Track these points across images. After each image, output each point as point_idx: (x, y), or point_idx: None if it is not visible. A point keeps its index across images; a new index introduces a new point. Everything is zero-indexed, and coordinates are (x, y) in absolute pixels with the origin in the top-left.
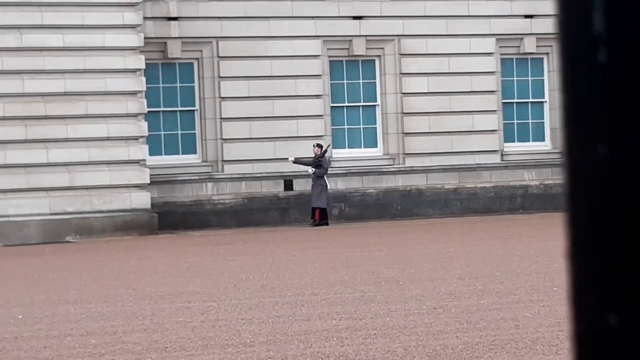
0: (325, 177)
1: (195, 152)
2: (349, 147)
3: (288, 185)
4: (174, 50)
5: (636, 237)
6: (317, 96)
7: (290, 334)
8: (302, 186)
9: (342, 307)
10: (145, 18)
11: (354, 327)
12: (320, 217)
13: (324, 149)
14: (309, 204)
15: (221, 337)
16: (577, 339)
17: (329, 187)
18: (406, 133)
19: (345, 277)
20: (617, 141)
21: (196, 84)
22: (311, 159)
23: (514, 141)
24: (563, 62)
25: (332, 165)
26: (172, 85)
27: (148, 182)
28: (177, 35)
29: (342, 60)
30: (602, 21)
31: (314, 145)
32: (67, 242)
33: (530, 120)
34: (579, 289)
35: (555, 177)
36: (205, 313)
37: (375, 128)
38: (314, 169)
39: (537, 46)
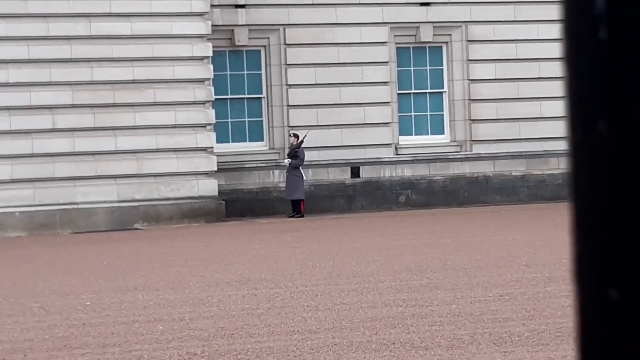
0: (300, 168)
1: (262, 140)
2: (415, 134)
3: (355, 173)
4: (241, 38)
5: (636, 214)
6: (384, 83)
7: (356, 320)
8: (368, 173)
9: (408, 294)
10: (212, 6)
11: (420, 314)
12: (297, 209)
13: (300, 139)
14: (373, 191)
15: (287, 324)
16: (580, 313)
17: (305, 178)
18: (473, 120)
19: (412, 264)
20: (616, 118)
21: (263, 72)
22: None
23: None
24: (565, 40)
25: (399, 152)
26: (239, 73)
27: (215, 169)
28: (244, 23)
29: (409, 47)
30: (603, 0)
31: (290, 135)
32: (135, 229)
33: None
34: (581, 265)
35: None
36: (271, 300)
37: (442, 115)
38: (289, 160)
39: None
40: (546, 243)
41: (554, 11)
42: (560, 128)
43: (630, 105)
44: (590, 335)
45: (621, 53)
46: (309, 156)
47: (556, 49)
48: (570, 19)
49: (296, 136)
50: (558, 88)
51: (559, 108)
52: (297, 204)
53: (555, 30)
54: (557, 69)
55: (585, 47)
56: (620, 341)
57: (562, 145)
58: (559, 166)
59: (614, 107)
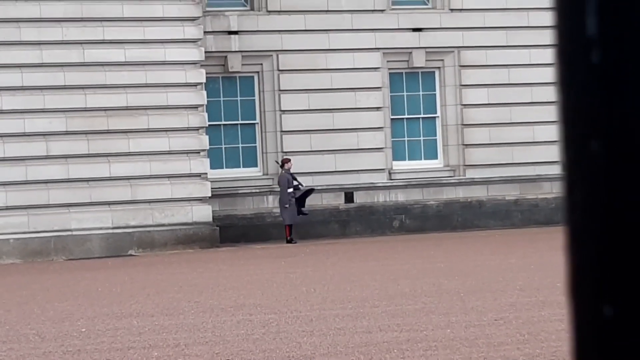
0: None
1: (256, 165)
2: (409, 159)
3: (349, 198)
4: (235, 64)
5: (630, 231)
6: (377, 108)
7: (351, 346)
8: (362, 198)
9: (402, 319)
10: (205, 32)
11: (414, 339)
12: (289, 233)
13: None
14: (367, 216)
15: (282, 349)
16: (574, 329)
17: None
18: (466, 144)
19: (406, 289)
20: (610, 138)
21: (257, 97)
22: (284, 177)
23: None
24: (558, 63)
25: (392, 177)
26: (232, 99)
27: (209, 195)
28: (237, 49)
29: (402, 72)
30: (595, 24)
31: (288, 161)
32: (130, 255)
33: None
34: (576, 281)
35: None
36: (266, 325)
37: (436, 140)
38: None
39: None
40: (540, 267)
41: (546, 36)
42: (553, 152)
43: (623, 125)
44: (586, 352)
45: (613, 75)
46: (302, 182)
47: (549, 74)
48: (563, 42)
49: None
50: (551, 112)
51: (552, 132)
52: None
53: (548, 55)
54: (550, 93)
55: (578, 70)
56: (616, 358)
57: (556, 170)
58: (552, 190)
59: (607, 128)
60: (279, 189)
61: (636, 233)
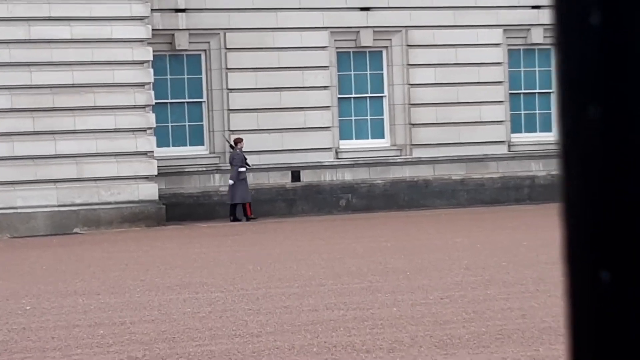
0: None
1: (202, 144)
2: (356, 139)
3: (295, 176)
4: (182, 42)
5: (627, 197)
6: (325, 87)
7: (297, 324)
8: (309, 177)
9: (349, 297)
10: (152, 10)
11: (361, 318)
12: (251, 211)
13: (231, 144)
14: (313, 195)
15: (229, 327)
16: (570, 295)
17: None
18: (413, 124)
19: (353, 267)
20: (609, 103)
21: (204, 76)
22: (240, 156)
23: (521, 132)
24: (557, 25)
25: (339, 157)
26: (179, 77)
27: (155, 173)
28: (184, 27)
29: (349, 52)
30: None
31: (240, 140)
32: (75, 233)
33: (537, 111)
34: (572, 248)
35: None
36: (212, 304)
37: (383, 119)
38: (248, 166)
39: (545, 37)
40: (486, 246)
41: (494, 16)
42: (500, 132)
43: (623, 90)
44: (582, 317)
45: (613, 38)
46: (249, 160)
47: (496, 54)
48: (561, 3)
49: (236, 142)
50: (498, 92)
51: (499, 112)
52: (244, 206)
53: (495, 35)
54: (497, 73)
55: (577, 32)
56: (612, 323)
57: (502, 150)
58: (498, 170)
59: (605, 93)
60: (228, 168)
61: (633, 199)
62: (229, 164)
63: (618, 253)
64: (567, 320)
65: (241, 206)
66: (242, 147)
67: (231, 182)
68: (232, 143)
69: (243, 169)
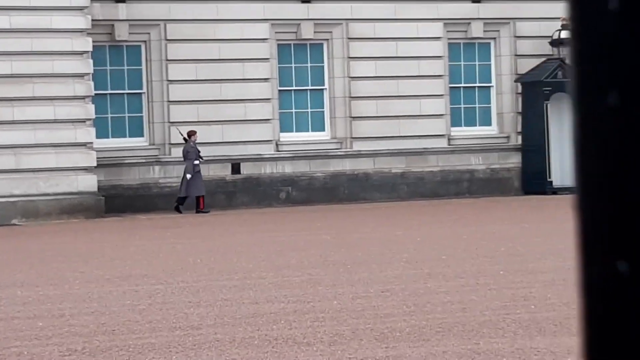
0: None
1: (142, 135)
2: (296, 131)
3: (235, 169)
4: (122, 33)
5: None
6: (265, 80)
7: (238, 317)
8: (249, 170)
9: (289, 290)
10: (92, 0)
11: (301, 310)
12: (204, 204)
13: (184, 137)
14: (253, 187)
15: (169, 320)
16: (585, 287)
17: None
18: (354, 117)
19: (293, 260)
20: (629, 90)
21: (144, 67)
22: (194, 149)
23: (460, 125)
24: (573, 9)
25: (279, 149)
26: (119, 68)
27: (95, 165)
28: (124, 18)
29: (290, 44)
30: None
31: (194, 133)
32: (13, 225)
33: (477, 105)
34: (588, 238)
35: (501, 162)
36: (152, 296)
37: (323, 112)
38: (201, 158)
39: (485, 31)
40: (426, 240)
41: (434, 10)
42: (440, 125)
43: None
44: (597, 308)
45: (632, 21)
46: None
47: (436, 48)
48: None
49: (189, 134)
50: (438, 86)
51: (439, 106)
52: (200, 199)
53: (436, 29)
54: (437, 67)
55: (594, 16)
56: (630, 314)
57: (441, 143)
58: (438, 163)
59: (625, 78)
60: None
61: None
62: (182, 157)
63: (636, 242)
64: (581, 312)
65: (195, 199)
66: (195, 140)
67: (189, 175)
68: (186, 136)
69: (197, 162)
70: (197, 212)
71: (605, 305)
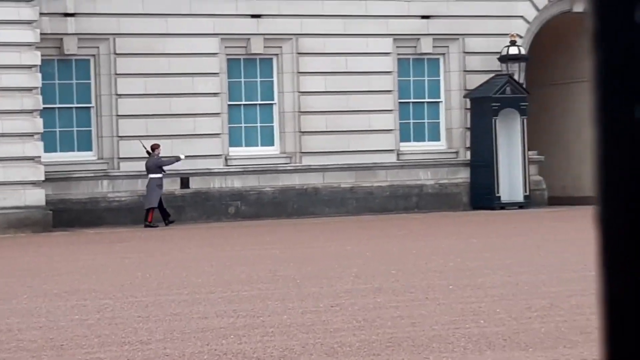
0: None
1: (90, 149)
2: (246, 146)
3: (185, 183)
4: (71, 47)
5: None
6: (215, 94)
7: (187, 331)
8: (198, 184)
9: (239, 304)
10: (41, 14)
11: (251, 325)
12: (153, 217)
13: (147, 150)
14: (202, 202)
15: (118, 334)
16: (607, 298)
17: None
18: (303, 132)
19: (242, 275)
20: None
21: (92, 81)
22: (167, 159)
23: (410, 141)
24: (594, 19)
25: (229, 164)
26: (68, 82)
27: (43, 179)
28: (73, 32)
29: (240, 59)
30: None
31: (157, 146)
32: None
33: (426, 120)
34: (609, 249)
35: (450, 177)
36: (101, 311)
37: (273, 126)
38: (163, 171)
39: (434, 47)
40: (375, 254)
41: (384, 25)
42: (389, 141)
43: None
44: (619, 319)
45: None
46: (138, 166)
47: (386, 63)
48: (603, 2)
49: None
50: (387, 101)
51: (388, 121)
52: (149, 212)
53: (385, 45)
54: (387, 82)
55: (620, 27)
56: None
57: (391, 158)
58: (387, 178)
59: None
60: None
61: None
62: (145, 170)
63: None
64: (602, 323)
65: (145, 211)
66: (159, 153)
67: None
68: (149, 149)
69: (159, 175)
70: (146, 225)
71: (626, 315)
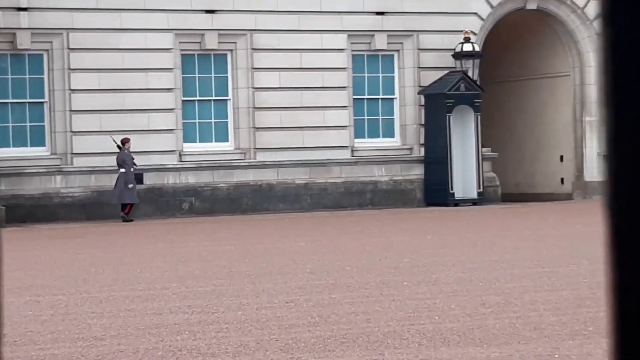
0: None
1: (44, 145)
2: (200, 142)
3: (138, 179)
4: (24, 41)
5: None
6: (169, 90)
7: (141, 327)
8: (152, 180)
9: (193, 300)
10: None
11: (206, 321)
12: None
13: (118, 144)
14: (156, 198)
15: (71, 330)
16: (616, 288)
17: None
18: (257, 128)
19: (197, 271)
20: None
21: (46, 76)
22: (129, 157)
23: (364, 137)
24: (603, 16)
25: (183, 159)
26: (21, 77)
27: None
28: (26, 26)
29: (194, 54)
30: None
31: (128, 141)
32: None
33: (380, 117)
34: (619, 239)
35: (404, 173)
36: (54, 307)
37: (227, 122)
38: (135, 165)
39: (388, 43)
40: (330, 250)
41: (338, 22)
42: (343, 137)
43: None
44: (629, 310)
45: None
46: (91, 162)
47: (340, 59)
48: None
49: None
50: (342, 97)
51: (343, 117)
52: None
53: (340, 41)
54: (341, 78)
55: (634, 25)
56: None
57: (345, 154)
58: (341, 175)
59: None
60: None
61: None
62: (116, 165)
63: None
64: (611, 314)
65: (122, 205)
66: (129, 148)
67: (131, 185)
68: (119, 143)
69: (132, 170)
70: (125, 220)
71: (636, 306)
